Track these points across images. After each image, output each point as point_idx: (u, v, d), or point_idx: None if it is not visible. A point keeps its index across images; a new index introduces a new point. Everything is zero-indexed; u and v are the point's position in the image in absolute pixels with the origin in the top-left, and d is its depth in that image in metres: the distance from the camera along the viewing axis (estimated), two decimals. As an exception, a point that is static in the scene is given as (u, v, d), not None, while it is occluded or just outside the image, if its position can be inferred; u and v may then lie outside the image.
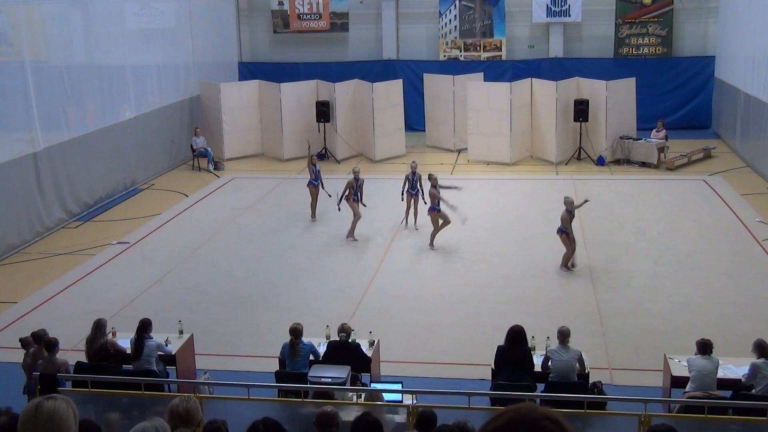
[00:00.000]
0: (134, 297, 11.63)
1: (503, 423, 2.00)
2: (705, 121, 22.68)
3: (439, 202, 13.24)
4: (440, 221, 13.35)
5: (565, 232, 12.13)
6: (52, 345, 8.09)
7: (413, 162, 14.58)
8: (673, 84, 22.65)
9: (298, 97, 20.25)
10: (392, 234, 14.26)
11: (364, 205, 14.16)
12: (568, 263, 12.26)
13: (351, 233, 13.91)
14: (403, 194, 14.34)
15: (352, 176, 14.16)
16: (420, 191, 14.18)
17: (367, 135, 19.96)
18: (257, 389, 7.06)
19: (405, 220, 14.54)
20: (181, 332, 9.15)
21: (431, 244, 13.42)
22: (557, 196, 15.27)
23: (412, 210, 14.42)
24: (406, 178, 14.26)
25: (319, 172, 14.88)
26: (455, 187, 13.73)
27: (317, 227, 14.75)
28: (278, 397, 7.58)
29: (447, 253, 13.25)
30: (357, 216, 13.87)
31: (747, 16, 19.02)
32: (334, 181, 15.56)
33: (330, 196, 14.50)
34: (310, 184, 14.91)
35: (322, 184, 14.81)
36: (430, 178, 13.43)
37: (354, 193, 13.95)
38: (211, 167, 19.43)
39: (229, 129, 20.40)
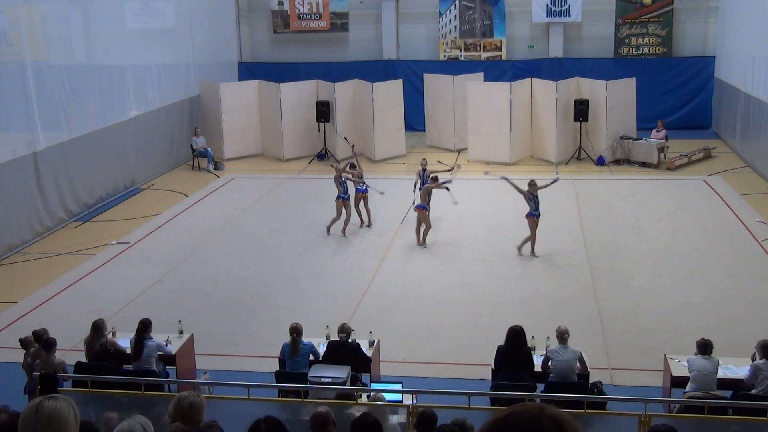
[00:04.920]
0: (134, 297, 11.63)
1: (504, 417, 2.02)
2: (705, 121, 22.67)
3: (429, 200, 13.27)
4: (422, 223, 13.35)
5: None
6: (49, 345, 8.08)
7: (423, 159, 14.63)
8: (673, 84, 22.63)
9: (298, 97, 20.25)
10: (392, 234, 14.26)
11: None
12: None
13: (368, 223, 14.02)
14: (414, 190, 14.26)
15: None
16: None
17: (367, 135, 19.95)
18: (257, 389, 7.06)
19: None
20: (181, 332, 9.15)
21: (424, 242, 13.41)
22: (557, 196, 15.31)
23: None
24: (418, 174, 14.26)
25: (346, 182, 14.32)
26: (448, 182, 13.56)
27: (317, 227, 14.73)
28: (278, 397, 7.59)
29: (447, 253, 13.25)
30: (349, 216, 14.00)
31: (747, 16, 19.01)
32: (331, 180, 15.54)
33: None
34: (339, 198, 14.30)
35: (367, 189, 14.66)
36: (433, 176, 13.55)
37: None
38: (211, 167, 19.42)
39: (229, 129, 20.39)
